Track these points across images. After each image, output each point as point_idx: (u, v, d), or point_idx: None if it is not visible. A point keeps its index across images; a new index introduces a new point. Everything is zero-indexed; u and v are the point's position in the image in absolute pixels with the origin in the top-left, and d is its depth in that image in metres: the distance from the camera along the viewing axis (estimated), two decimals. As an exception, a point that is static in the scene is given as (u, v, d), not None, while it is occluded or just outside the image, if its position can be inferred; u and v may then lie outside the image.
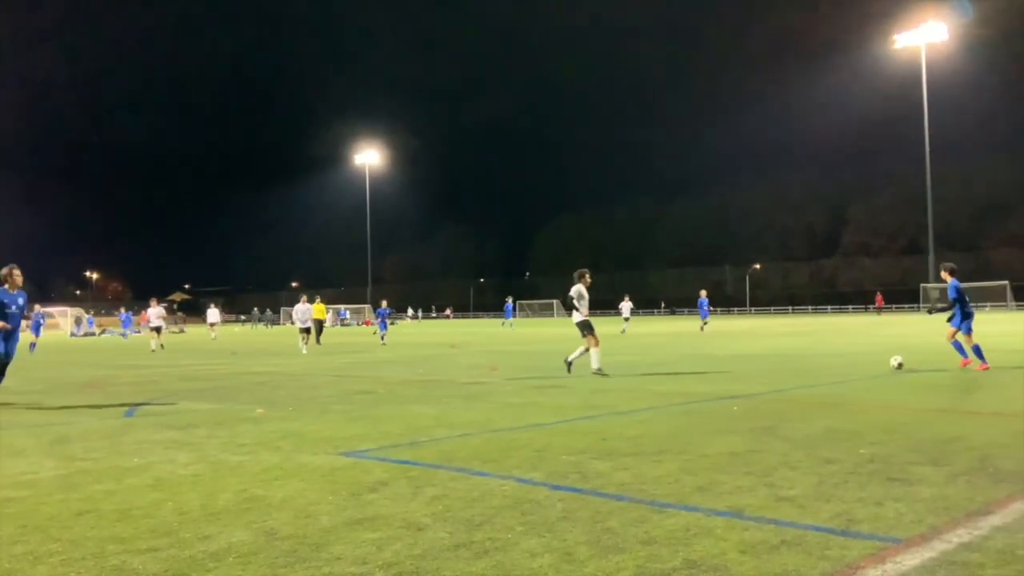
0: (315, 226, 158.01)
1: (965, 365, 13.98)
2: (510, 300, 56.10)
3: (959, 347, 14.22)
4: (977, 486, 5.34)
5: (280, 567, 3.99)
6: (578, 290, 14.62)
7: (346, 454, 7.03)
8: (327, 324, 40.33)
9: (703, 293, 39.43)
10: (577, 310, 14.42)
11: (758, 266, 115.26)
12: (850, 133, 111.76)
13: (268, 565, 4.02)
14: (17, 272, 11.36)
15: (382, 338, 31.17)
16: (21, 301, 11.55)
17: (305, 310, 26.68)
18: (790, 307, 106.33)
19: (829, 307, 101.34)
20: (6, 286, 11.34)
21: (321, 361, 21.32)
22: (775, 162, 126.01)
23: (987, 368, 13.47)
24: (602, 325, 17.36)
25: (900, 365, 14.52)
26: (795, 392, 11.38)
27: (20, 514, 5.14)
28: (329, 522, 4.78)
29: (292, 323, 31.20)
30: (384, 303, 33.58)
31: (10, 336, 11.44)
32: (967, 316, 13.93)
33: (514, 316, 56.44)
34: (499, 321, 59.91)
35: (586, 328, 14.37)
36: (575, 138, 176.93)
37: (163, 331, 28.09)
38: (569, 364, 14.65)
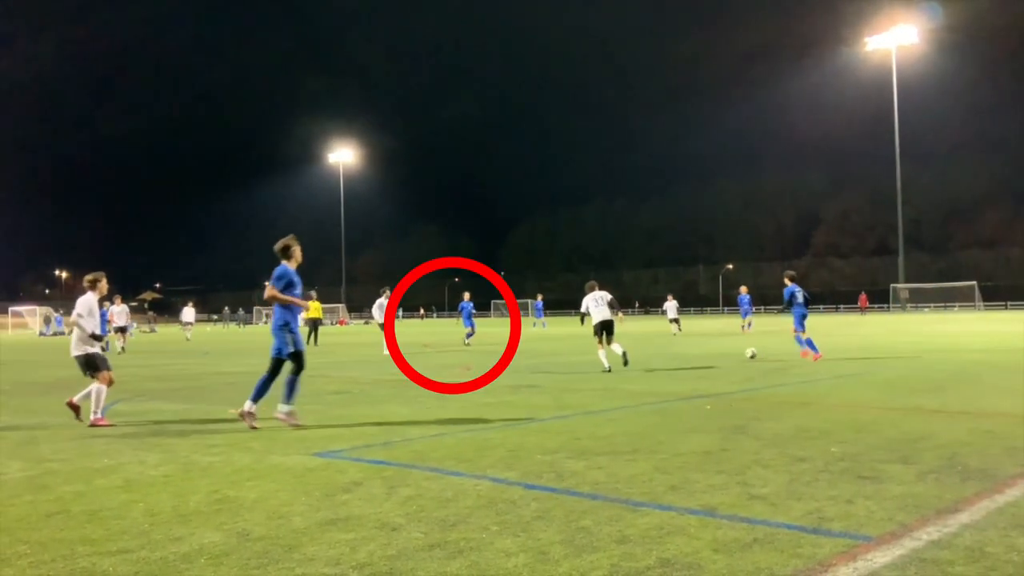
0: (288, 225, 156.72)
1: (804, 356, 16.70)
2: (540, 298, 49.24)
3: (800, 341, 16.92)
4: (946, 484, 5.42)
5: (252, 568, 3.96)
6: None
7: (319, 454, 6.99)
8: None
9: (743, 289, 34.28)
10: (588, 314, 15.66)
11: (731, 266, 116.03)
12: (821, 134, 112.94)
13: (240, 566, 3.99)
14: None
15: (468, 336, 27.99)
16: None
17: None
18: (762, 307, 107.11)
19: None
20: None
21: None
22: (748, 163, 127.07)
23: (819, 357, 16.23)
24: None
25: (753, 355, 17.21)
26: (765, 391, 11.47)
27: (-13, 516, 5.06)
28: (302, 523, 4.76)
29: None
30: (466, 296, 29.90)
31: None
32: (801, 316, 16.85)
33: (545, 315, 50.67)
34: (529, 321, 53.90)
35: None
36: (549, 137, 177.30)
37: (129, 331, 27.52)
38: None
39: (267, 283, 9.14)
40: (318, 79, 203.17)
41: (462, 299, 30.12)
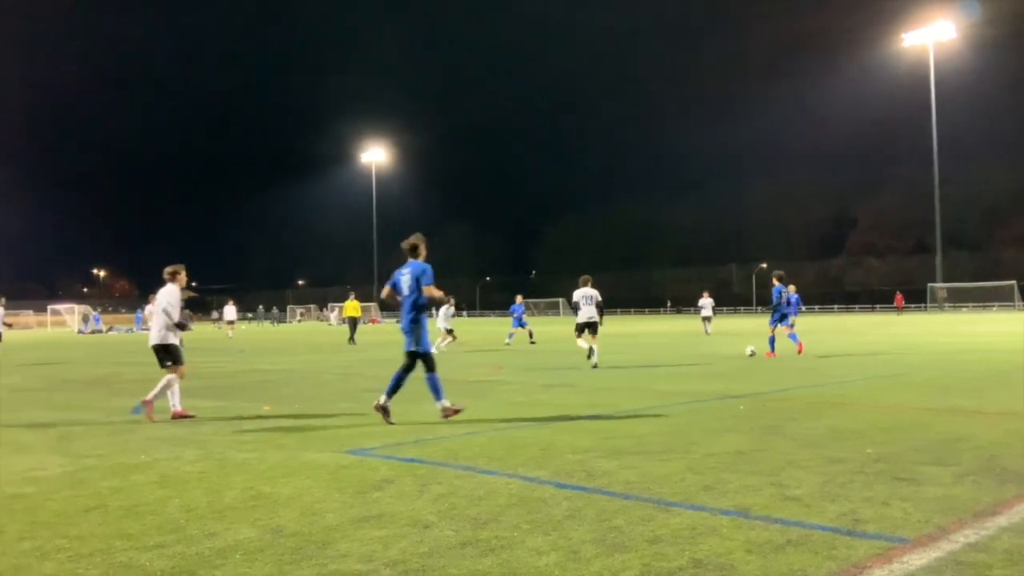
0: (321, 224, 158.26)
1: (800, 352, 17.98)
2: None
3: (794, 337, 18.29)
4: (984, 486, 5.33)
5: (286, 564, 4.00)
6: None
7: (352, 452, 7.04)
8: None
9: (792, 288, 34.08)
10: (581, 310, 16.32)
11: (764, 265, 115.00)
12: (857, 132, 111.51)
13: (274, 562, 4.03)
14: None
15: (511, 336, 27.87)
16: None
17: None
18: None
19: (835, 307, 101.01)
20: None
21: (327, 359, 21.35)
22: (781, 161, 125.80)
23: (773, 356, 17.52)
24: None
25: (753, 353, 17.86)
26: (800, 392, 11.36)
27: (27, 510, 5.16)
28: (335, 519, 4.79)
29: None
30: (519, 299, 29.56)
31: None
32: (783, 316, 18.23)
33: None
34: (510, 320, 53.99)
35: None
36: (581, 136, 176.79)
37: None
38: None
39: (388, 281, 9.36)
40: (351, 79, 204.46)
41: (515, 301, 29.75)
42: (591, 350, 16.06)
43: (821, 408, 9.45)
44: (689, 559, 3.95)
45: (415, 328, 8.97)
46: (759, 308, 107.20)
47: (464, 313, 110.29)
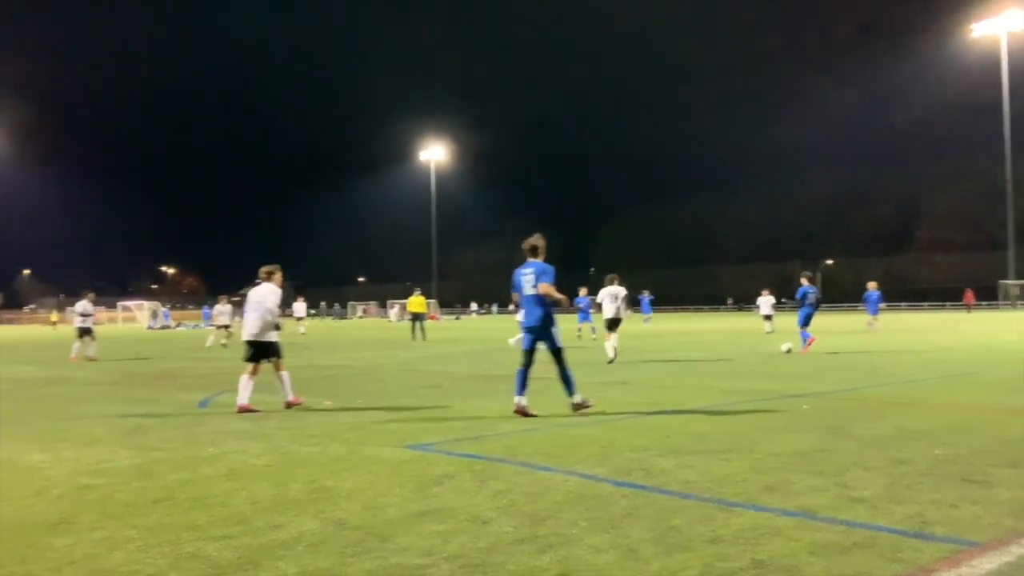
0: (382, 221, 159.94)
1: (805, 351, 18.18)
2: (646, 293, 46.76)
3: (805, 335, 18.57)
4: (1059, 490, 5.16)
5: (348, 556, 4.06)
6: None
7: (412, 447, 7.11)
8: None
9: (872, 285, 32.46)
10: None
11: (830, 262, 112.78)
12: (925, 124, 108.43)
13: (337, 554, 4.10)
14: None
15: (580, 331, 27.82)
16: None
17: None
18: (863, 304, 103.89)
19: (903, 304, 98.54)
20: None
21: (387, 355, 21.58)
22: (847, 155, 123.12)
23: (807, 348, 18.16)
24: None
25: (789, 350, 18.15)
26: (866, 391, 11.12)
27: (98, 501, 5.33)
28: (396, 513, 4.85)
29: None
30: (583, 291, 28.47)
31: None
32: (807, 315, 18.73)
33: (652, 312, 48.97)
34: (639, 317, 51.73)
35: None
36: (640, 131, 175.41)
37: (231, 329, 28.39)
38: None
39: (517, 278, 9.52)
40: (411, 77, 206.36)
41: (578, 294, 29.20)
42: (614, 355, 16.59)
43: (888, 408, 9.24)
44: (751, 560, 3.90)
45: (546, 325, 9.20)
46: (822, 306, 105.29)
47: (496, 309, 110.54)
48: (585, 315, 28.36)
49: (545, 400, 10.51)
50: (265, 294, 10.25)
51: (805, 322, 18.75)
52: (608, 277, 17.46)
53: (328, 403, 10.50)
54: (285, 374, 10.22)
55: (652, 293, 50.42)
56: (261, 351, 10.15)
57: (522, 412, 9.03)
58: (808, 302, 18.82)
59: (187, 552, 4.18)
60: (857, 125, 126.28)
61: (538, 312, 9.19)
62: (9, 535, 4.52)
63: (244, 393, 9.89)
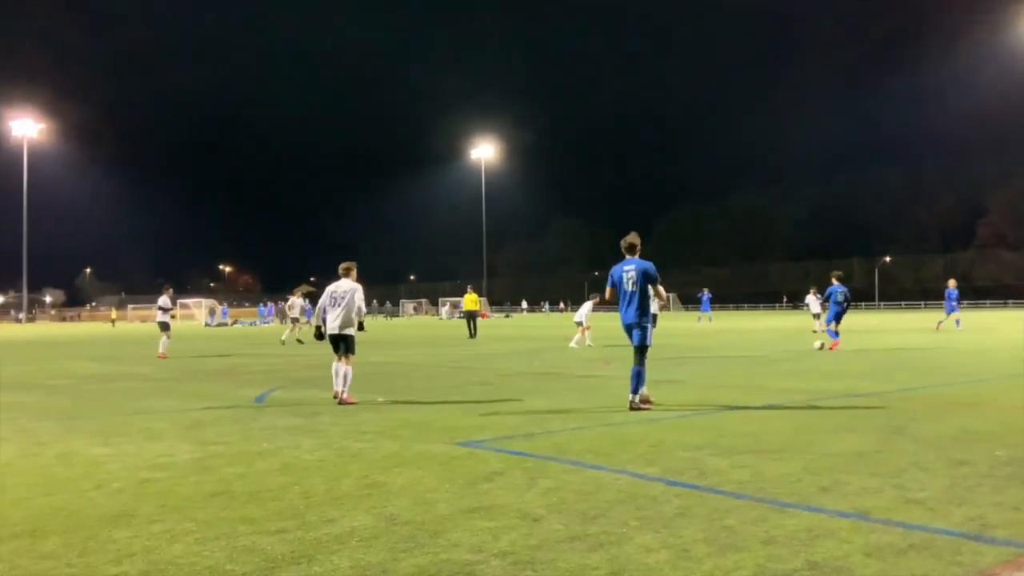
0: (432, 219, 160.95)
1: (834, 347, 18.72)
2: (706, 292, 44.15)
3: (831, 333, 19.27)
4: None
5: (400, 551, 4.10)
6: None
7: (463, 444, 7.15)
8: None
9: (952, 283, 30.77)
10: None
11: (888, 259, 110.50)
12: (987, 118, 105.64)
13: (388, 549, 4.14)
14: None
15: (709, 319, 29.04)
16: None
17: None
18: (923, 302, 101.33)
19: (964, 302, 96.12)
20: None
21: (439, 353, 21.72)
22: (906, 150, 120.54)
23: (835, 346, 18.73)
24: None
25: (822, 346, 18.85)
26: (926, 391, 10.88)
27: (158, 494, 5.45)
28: (446, 509, 4.88)
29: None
30: (706, 291, 30.53)
31: None
32: (838, 314, 19.26)
33: (712, 310, 48.02)
34: (695, 316, 50.82)
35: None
36: (689, 127, 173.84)
37: (300, 322, 28.61)
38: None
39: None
40: (463, 78, 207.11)
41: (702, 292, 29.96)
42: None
43: (948, 408, 9.03)
44: (805, 561, 3.85)
45: (642, 322, 9.37)
46: (881, 304, 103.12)
47: (562, 307, 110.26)
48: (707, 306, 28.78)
49: (594, 399, 10.48)
50: (352, 290, 10.65)
51: (835, 320, 19.26)
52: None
53: (380, 399, 10.60)
54: (348, 369, 10.48)
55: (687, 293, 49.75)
56: (339, 342, 10.56)
57: (637, 407, 9.19)
58: (835, 300, 19.21)
59: (243, 545, 4.26)
60: (916, 120, 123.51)
61: (636, 308, 9.37)
62: (71, 527, 4.65)
63: (346, 385, 10.41)
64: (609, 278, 9.67)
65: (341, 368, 10.46)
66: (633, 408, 9.14)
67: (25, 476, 6.14)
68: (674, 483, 5.48)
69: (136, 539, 4.39)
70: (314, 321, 12.38)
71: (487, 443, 7.20)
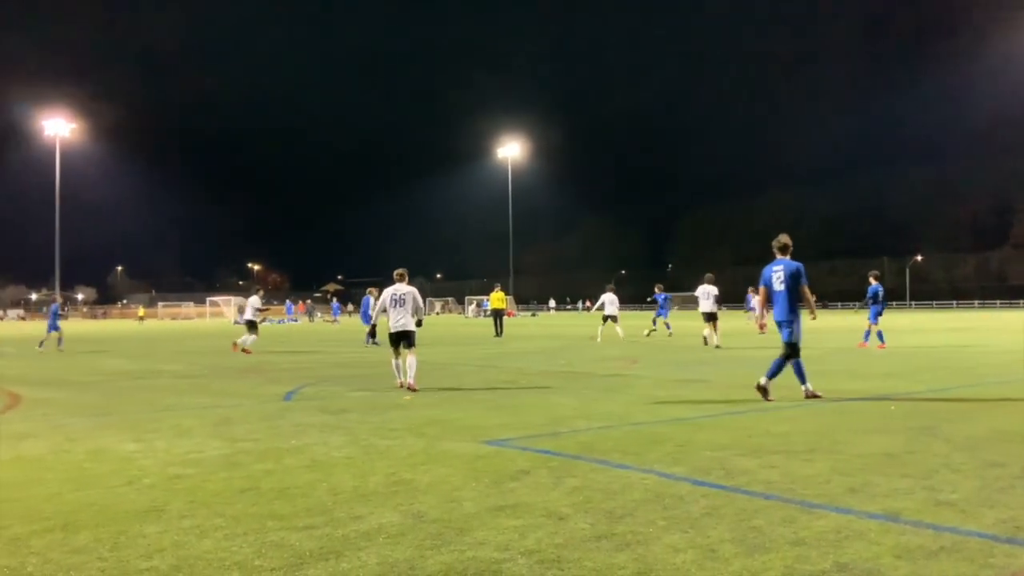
0: (458, 218, 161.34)
1: (862, 347, 19.67)
2: (752, 292, 45.37)
3: (867, 333, 20.19)
4: None
5: (427, 549, 4.11)
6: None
7: (489, 442, 7.16)
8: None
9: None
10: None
11: (919, 258, 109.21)
12: (1018, 116, 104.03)
13: (415, 546, 4.15)
14: None
15: (655, 326, 28.89)
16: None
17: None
18: (954, 302, 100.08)
19: (998, 302, 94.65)
20: None
21: (465, 352, 21.75)
22: (937, 148, 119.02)
23: (882, 347, 19.14)
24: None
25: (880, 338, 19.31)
26: (958, 391, 10.74)
27: (188, 490, 5.51)
28: (473, 508, 4.89)
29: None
30: (659, 288, 29.16)
31: None
32: (877, 312, 19.81)
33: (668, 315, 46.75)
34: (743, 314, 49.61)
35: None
36: (716, 126, 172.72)
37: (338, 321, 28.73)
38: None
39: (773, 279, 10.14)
40: (489, 77, 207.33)
41: (654, 291, 29.03)
42: (705, 339, 21.12)
43: (981, 409, 8.91)
44: (833, 563, 3.81)
45: (791, 319, 9.86)
46: (912, 303, 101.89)
47: (589, 306, 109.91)
48: (663, 311, 28.36)
49: (620, 398, 10.46)
50: (410, 292, 11.79)
51: (875, 320, 19.80)
52: (706, 277, 21.66)
53: (407, 398, 10.65)
54: (413, 359, 11.55)
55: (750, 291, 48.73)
56: (403, 338, 11.66)
57: (761, 390, 9.77)
58: (879, 299, 19.94)
59: (271, 541, 4.29)
60: (947, 118, 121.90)
61: (786, 307, 9.87)
62: (102, 522, 4.71)
63: (399, 373, 11.77)
64: (761, 277, 10.15)
65: (408, 359, 11.53)
66: (809, 396, 9.72)
67: (57, 471, 6.23)
68: (701, 483, 5.46)
69: (166, 534, 4.44)
70: (374, 319, 14.41)
71: (513, 442, 7.21)
